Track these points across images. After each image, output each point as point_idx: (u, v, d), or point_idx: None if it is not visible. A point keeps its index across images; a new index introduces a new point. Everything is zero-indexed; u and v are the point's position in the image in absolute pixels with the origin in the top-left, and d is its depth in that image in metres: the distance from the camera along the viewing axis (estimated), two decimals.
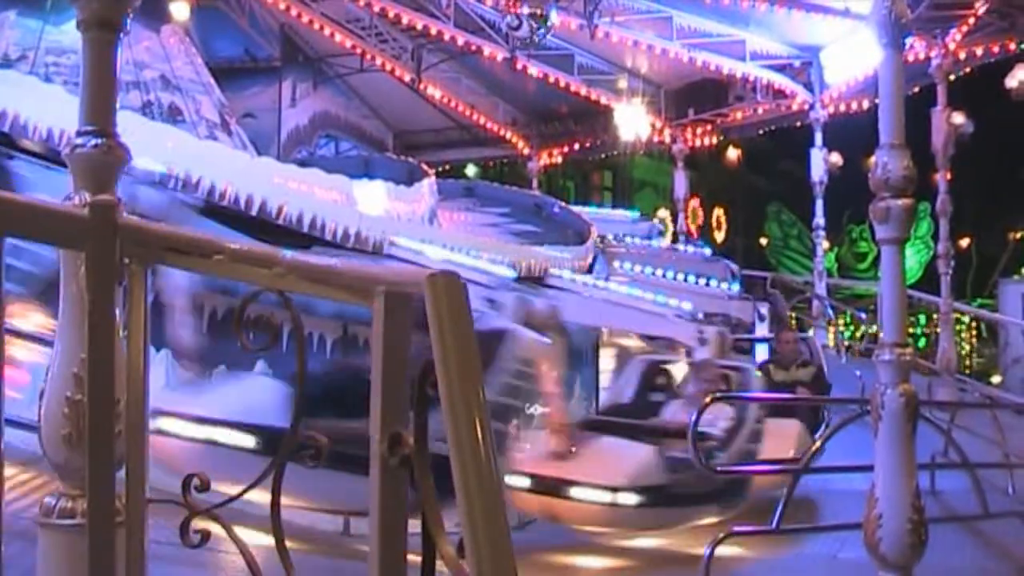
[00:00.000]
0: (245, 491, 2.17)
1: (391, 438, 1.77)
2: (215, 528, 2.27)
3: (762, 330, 14.54)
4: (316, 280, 1.95)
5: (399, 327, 1.80)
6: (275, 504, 2.13)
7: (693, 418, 6.66)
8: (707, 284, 16.17)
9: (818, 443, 7.98)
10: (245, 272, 2.03)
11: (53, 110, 8.80)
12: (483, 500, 1.59)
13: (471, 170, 27.68)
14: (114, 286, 1.99)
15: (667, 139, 21.99)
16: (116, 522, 2.25)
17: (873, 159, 5.41)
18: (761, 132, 23.28)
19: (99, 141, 3.13)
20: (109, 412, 2.19)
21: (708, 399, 7.24)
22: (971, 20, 15.31)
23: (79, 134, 3.15)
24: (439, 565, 1.76)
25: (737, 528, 7.10)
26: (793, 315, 18.96)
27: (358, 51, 20.46)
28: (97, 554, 2.13)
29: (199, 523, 2.28)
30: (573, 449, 8.38)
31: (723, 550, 6.43)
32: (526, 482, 7.97)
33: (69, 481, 3.10)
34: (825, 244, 21.03)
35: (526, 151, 23.62)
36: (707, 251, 19.40)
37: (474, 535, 1.57)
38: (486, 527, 1.57)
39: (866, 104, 17.60)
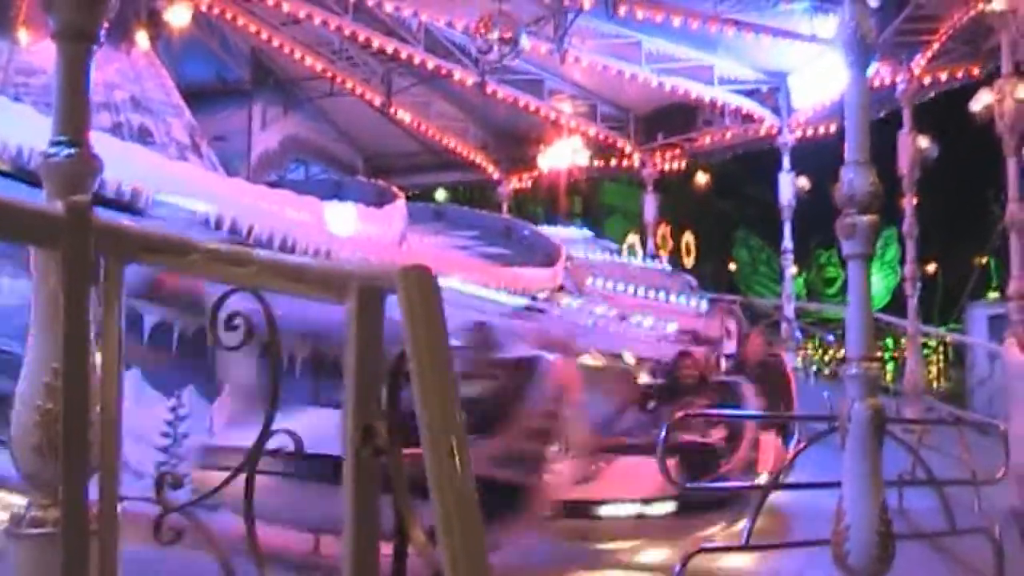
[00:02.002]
0: (218, 488, 2.18)
1: (364, 430, 1.80)
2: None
3: (730, 347, 14.53)
4: (290, 278, 1.98)
5: (372, 321, 1.82)
6: (249, 509, 2.14)
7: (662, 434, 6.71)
8: (668, 299, 16.18)
9: (788, 458, 8.06)
10: (219, 271, 2.05)
11: (23, 128, 8.79)
12: (454, 487, 1.62)
13: (441, 194, 27.69)
14: (89, 285, 2.01)
15: (636, 163, 22.13)
16: (90, 531, 2.25)
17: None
18: (729, 156, 23.45)
19: (72, 151, 3.15)
20: (83, 414, 2.19)
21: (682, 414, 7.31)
22: (935, 46, 15.51)
23: (52, 144, 3.16)
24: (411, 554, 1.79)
25: (707, 545, 7.14)
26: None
27: (328, 75, 20.48)
28: (71, 563, 2.14)
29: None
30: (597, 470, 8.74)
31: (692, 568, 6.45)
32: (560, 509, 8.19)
33: (40, 491, 3.10)
34: (793, 269, 21.16)
35: (496, 175, 23.65)
36: (667, 266, 19.34)
37: (447, 522, 1.59)
38: (458, 514, 1.60)
39: (833, 128, 17.79)
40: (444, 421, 1.67)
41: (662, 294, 16.20)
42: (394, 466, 1.78)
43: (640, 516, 8.48)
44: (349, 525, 1.80)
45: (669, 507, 8.52)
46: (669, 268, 18.97)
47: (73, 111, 3.21)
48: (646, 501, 8.44)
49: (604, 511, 8.44)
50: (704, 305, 16.03)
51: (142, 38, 14.26)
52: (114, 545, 2.35)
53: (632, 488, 8.48)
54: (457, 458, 1.65)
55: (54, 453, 2.87)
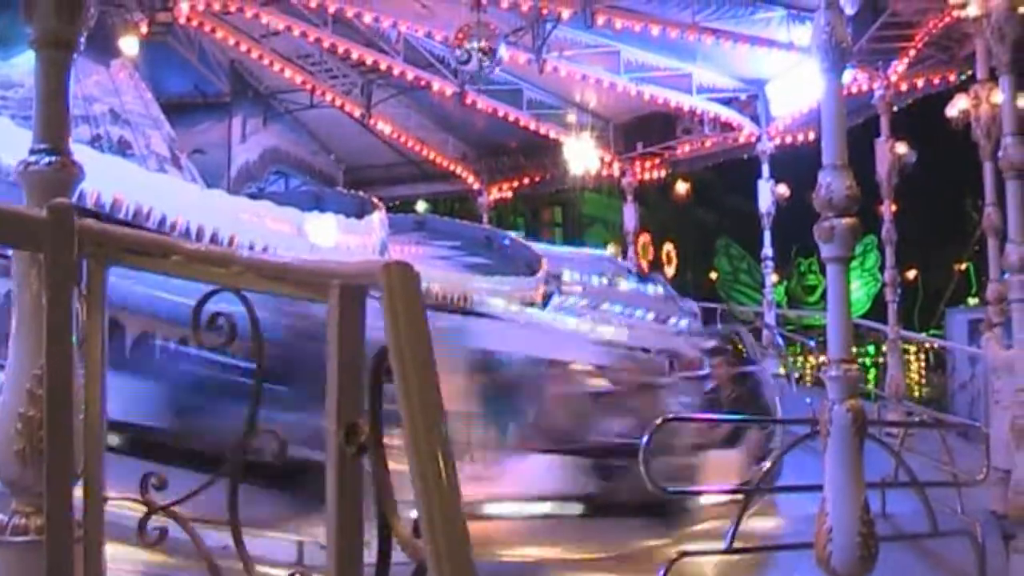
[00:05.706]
0: (201, 489, 2.19)
1: (348, 428, 1.81)
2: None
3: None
4: (272, 277, 1.99)
5: (354, 319, 1.84)
6: (233, 505, 2.15)
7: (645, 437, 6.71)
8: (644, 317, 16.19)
9: (770, 463, 8.06)
10: (202, 272, 2.06)
11: (2, 141, 8.75)
12: (438, 482, 1.63)
13: (421, 206, 27.65)
14: (72, 287, 2.02)
15: (616, 173, 22.16)
16: (75, 537, 2.25)
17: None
18: (709, 165, 23.52)
19: (52, 159, 3.15)
20: (67, 418, 2.19)
21: (660, 421, 7.26)
22: (912, 52, 15.63)
23: (32, 152, 3.16)
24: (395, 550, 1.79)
25: (690, 549, 7.14)
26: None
27: (308, 86, 20.50)
28: (55, 571, 2.13)
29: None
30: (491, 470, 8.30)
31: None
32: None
33: (21, 498, 3.08)
34: (774, 277, 21.22)
35: (476, 186, 23.66)
36: (660, 290, 19.17)
37: (429, 515, 1.60)
38: (441, 507, 1.61)
39: (812, 136, 17.85)
40: (426, 417, 1.68)
41: (639, 311, 16.16)
42: (377, 462, 1.79)
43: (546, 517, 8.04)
44: (333, 523, 1.81)
45: (576, 509, 8.20)
46: (663, 293, 18.72)
47: (53, 119, 3.21)
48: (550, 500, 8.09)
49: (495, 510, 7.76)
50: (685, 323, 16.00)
51: (121, 51, 14.19)
52: (99, 552, 2.34)
53: (533, 484, 8.14)
54: (440, 452, 1.66)
55: (37, 460, 2.86)
